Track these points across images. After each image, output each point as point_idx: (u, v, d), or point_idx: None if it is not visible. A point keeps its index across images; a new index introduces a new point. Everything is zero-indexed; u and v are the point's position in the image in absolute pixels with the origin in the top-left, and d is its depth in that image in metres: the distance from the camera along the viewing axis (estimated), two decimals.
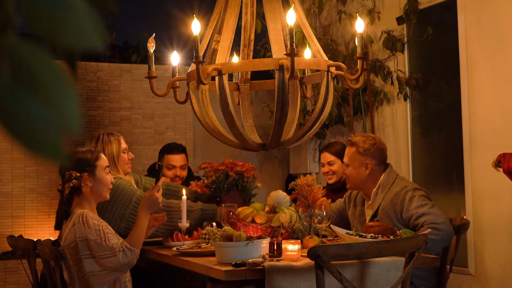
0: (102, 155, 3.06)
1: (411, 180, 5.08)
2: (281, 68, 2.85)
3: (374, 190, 3.43)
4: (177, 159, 4.45)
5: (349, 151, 3.51)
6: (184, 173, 4.46)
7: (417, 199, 3.24)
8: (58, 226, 3.00)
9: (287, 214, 3.13)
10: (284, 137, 3.16)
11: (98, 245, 2.79)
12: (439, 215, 3.19)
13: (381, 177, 3.42)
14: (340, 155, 4.41)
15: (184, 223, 3.36)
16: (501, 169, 3.40)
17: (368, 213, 3.45)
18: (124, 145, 3.72)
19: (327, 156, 4.45)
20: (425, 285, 3.31)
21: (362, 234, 3.01)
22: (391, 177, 3.42)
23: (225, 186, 3.67)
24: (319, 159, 4.58)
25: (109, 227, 2.91)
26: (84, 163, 2.97)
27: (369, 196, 3.46)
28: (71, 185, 2.90)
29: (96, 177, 2.98)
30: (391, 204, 3.31)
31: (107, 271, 2.82)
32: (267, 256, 2.71)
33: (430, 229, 3.07)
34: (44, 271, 3.10)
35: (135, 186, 3.65)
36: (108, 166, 3.06)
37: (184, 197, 3.39)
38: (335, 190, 4.27)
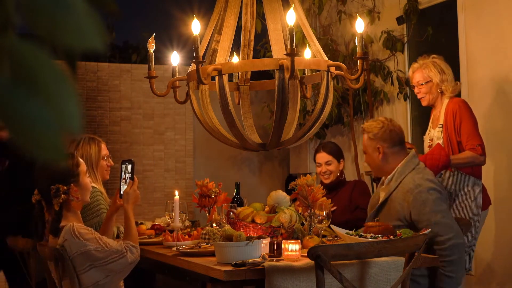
0: (80, 159, 2.95)
1: None
2: (281, 68, 2.85)
3: (390, 176, 3.36)
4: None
5: (363, 139, 3.47)
6: None
7: (431, 203, 3.15)
8: (39, 238, 2.89)
9: (287, 214, 3.13)
10: (284, 137, 3.16)
11: (102, 253, 2.73)
12: (450, 226, 3.12)
13: (399, 165, 3.34)
14: (336, 155, 4.41)
15: (177, 223, 3.37)
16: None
17: (381, 195, 3.43)
18: (104, 151, 3.67)
19: (325, 156, 4.43)
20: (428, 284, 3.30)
21: (362, 234, 3.01)
22: (409, 166, 3.32)
23: None
24: (315, 159, 4.57)
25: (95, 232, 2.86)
26: (68, 173, 2.83)
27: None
28: (60, 201, 2.77)
29: (81, 184, 2.88)
30: (403, 199, 3.23)
31: (112, 275, 2.78)
32: (267, 256, 2.71)
33: (446, 252, 3.06)
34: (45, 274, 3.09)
35: (106, 198, 3.61)
36: (86, 171, 2.95)
37: (177, 197, 3.40)
38: (330, 188, 4.25)
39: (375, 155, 3.38)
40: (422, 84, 3.91)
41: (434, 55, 3.98)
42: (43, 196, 2.83)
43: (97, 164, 3.62)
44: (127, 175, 3.12)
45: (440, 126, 3.92)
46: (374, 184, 4.06)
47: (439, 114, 3.98)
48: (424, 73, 3.91)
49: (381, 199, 3.37)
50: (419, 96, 3.97)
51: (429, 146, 4.01)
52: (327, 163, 4.39)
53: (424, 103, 3.99)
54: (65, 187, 2.80)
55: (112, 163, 3.77)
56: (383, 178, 3.46)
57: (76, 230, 2.74)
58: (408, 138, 5.18)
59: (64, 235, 2.75)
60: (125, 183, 3.10)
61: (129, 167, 3.12)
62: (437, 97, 3.95)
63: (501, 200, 4.28)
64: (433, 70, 3.90)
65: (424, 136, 4.16)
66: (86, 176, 2.94)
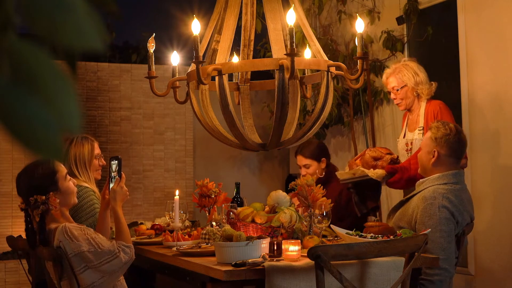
0: (57, 163, 2.83)
1: None
2: (281, 68, 2.85)
3: (423, 179, 3.34)
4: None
5: (426, 134, 3.42)
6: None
7: (436, 219, 3.11)
8: (33, 245, 2.88)
9: (287, 214, 3.13)
10: (284, 137, 3.16)
11: (94, 254, 2.71)
12: (444, 248, 3.08)
13: (436, 174, 3.29)
14: (316, 156, 4.37)
15: (177, 223, 3.37)
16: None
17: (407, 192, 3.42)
18: (97, 150, 3.67)
19: (302, 159, 4.42)
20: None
21: (362, 234, 3.01)
22: (443, 179, 3.27)
23: None
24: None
25: (91, 229, 2.83)
26: (46, 182, 2.81)
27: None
28: (40, 212, 2.75)
29: (61, 190, 2.85)
30: (416, 205, 3.21)
31: (108, 276, 2.77)
32: (267, 256, 2.71)
33: (430, 271, 3.04)
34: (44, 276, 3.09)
35: (99, 197, 3.60)
36: (67, 173, 2.91)
37: (177, 197, 3.40)
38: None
39: (428, 156, 3.33)
40: (397, 90, 3.89)
41: (405, 58, 3.98)
42: (28, 205, 2.81)
43: (90, 163, 3.62)
44: (113, 173, 3.06)
45: (421, 128, 3.91)
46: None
47: (417, 117, 3.97)
48: (398, 78, 3.89)
49: (403, 198, 3.37)
50: (395, 102, 3.97)
51: (407, 150, 4.02)
52: (305, 166, 4.38)
53: (401, 108, 3.97)
54: (43, 197, 2.76)
55: (105, 162, 3.77)
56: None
57: (69, 231, 2.73)
58: None
59: (58, 237, 2.73)
60: (112, 179, 3.05)
61: (116, 163, 3.05)
62: (413, 101, 3.95)
63: (501, 201, 4.28)
64: (407, 74, 3.88)
65: (398, 140, 4.16)
66: (67, 180, 2.89)
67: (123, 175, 3.02)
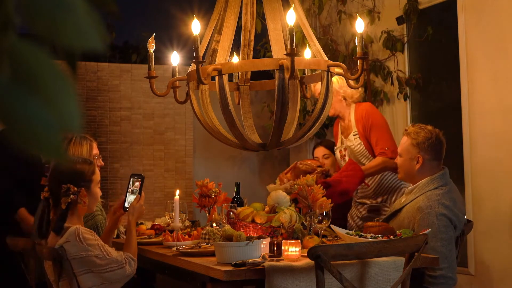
0: (97, 169, 2.98)
1: None
2: (281, 68, 2.85)
3: (412, 187, 3.32)
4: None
5: (403, 141, 3.38)
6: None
7: (435, 228, 3.10)
8: (43, 236, 2.89)
9: (287, 214, 3.14)
10: (284, 137, 3.16)
11: (102, 260, 2.74)
12: (446, 257, 3.08)
13: (424, 180, 3.27)
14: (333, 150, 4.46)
15: (177, 223, 3.38)
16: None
17: (400, 202, 3.39)
18: (95, 151, 3.68)
19: (323, 150, 4.56)
20: None
21: (362, 234, 3.01)
22: (432, 184, 3.26)
23: None
24: (313, 155, 4.67)
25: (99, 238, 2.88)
26: (81, 176, 2.87)
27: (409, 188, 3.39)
28: (69, 200, 2.80)
29: (91, 192, 2.91)
30: (412, 216, 3.20)
31: (107, 284, 2.78)
32: (267, 256, 2.71)
33: (433, 280, 3.05)
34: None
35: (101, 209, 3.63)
36: (99, 181, 2.99)
37: (177, 197, 3.41)
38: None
39: (411, 163, 3.31)
40: None
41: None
42: (52, 194, 2.85)
43: None
44: (133, 189, 3.18)
45: (355, 133, 3.96)
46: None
47: (349, 122, 4.03)
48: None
49: (396, 207, 3.36)
50: None
51: (341, 157, 4.04)
52: (324, 156, 4.50)
53: (330, 113, 3.96)
54: (75, 188, 2.82)
55: (102, 163, 3.77)
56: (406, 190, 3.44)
57: (81, 234, 2.75)
58: None
59: (68, 237, 2.75)
60: (131, 194, 3.16)
61: (139, 181, 3.18)
62: (342, 106, 3.96)
63: (501, 201, 4.28)
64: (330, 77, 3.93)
65: (335, 148, 4.22)
66: (98, 187, 2.97)
67: (143, 194, 3.14)
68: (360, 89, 3.93)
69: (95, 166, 2.96)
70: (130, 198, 3.15)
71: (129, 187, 3.20)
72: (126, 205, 3.14)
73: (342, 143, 4.10)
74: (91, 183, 2.90)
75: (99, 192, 2.98)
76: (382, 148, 3.84)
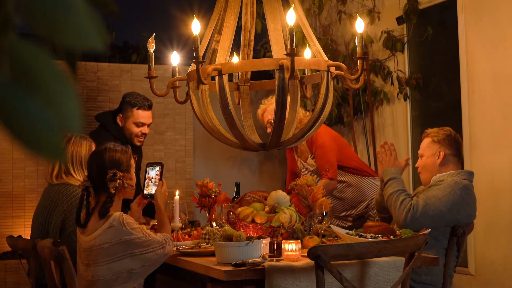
0: (132, 155, 3.11)
1: (410, 179, 5.08)
2: (281, 68, 2.85)
3: (435, 177, 3.40)
4: (148, 116, 4.45)
5: (423, 143, 3.49)
6: (148, 130, 4.48)
7: (434, 190, 3.24)
8: (82, 224, 2.94)
9: (287, 214, 3.14)
10: (284, 137, 3.16)
11: (145, 242, 2.82)
12: (427, 204, 3.17)
13: (448, 172, 3.37)
14: None
15: (177, 223, 3.39)
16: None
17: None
18: None
19: None
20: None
21: (362, 234, 3.01)
22: (460, 176, 3.35)
23: None
24: None
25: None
26: (122, 162, 2.97)
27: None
28: (116, 185, 2.90)
29: (130, 177, 3.02)
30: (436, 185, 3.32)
31: (148, 265, 2.85)
32: (267, 256, 2.71)
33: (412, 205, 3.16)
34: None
35: None
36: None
37: (177, 197, 3.42)
38: None
39: (433, 159, 3.40)
40: (271, 122, 3.94)
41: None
42: (92, 182, 2.94)
43: (86, 163, 3.63)
44: (153, 176, 3.35)
45: (313, 157, 4.11)
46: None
47: (302, 146, 4.17)
48: (271, 110, 3.96)
49: (419, 191, 3.44)
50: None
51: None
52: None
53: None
54: (121, 173, 2.92)
55: None
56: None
57: (125, 220, 2.84)
58: (408, 138, 5.18)
59: (112, 222, 2.83)
60: (149, 182, 3.31)
61: (156, 169, 3.34)
62: None
63: (501, 200, 4.28)
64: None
65: (298, 170, 4.31)
66: (133, 173, 3.07)
67: (164, 180, 3.30)
68: (307, 113, 4.10)
69: (130, 153, 3.05)
70: (150, 185, 3.28)
71: (147, 175, 3.33)
72: (145, 192, 3.28)
73: (302, 165, 4.24)
74: (130, 168, 3.02)
75: (134, 179, 3.08)
76: (322, 170, 4.01)
